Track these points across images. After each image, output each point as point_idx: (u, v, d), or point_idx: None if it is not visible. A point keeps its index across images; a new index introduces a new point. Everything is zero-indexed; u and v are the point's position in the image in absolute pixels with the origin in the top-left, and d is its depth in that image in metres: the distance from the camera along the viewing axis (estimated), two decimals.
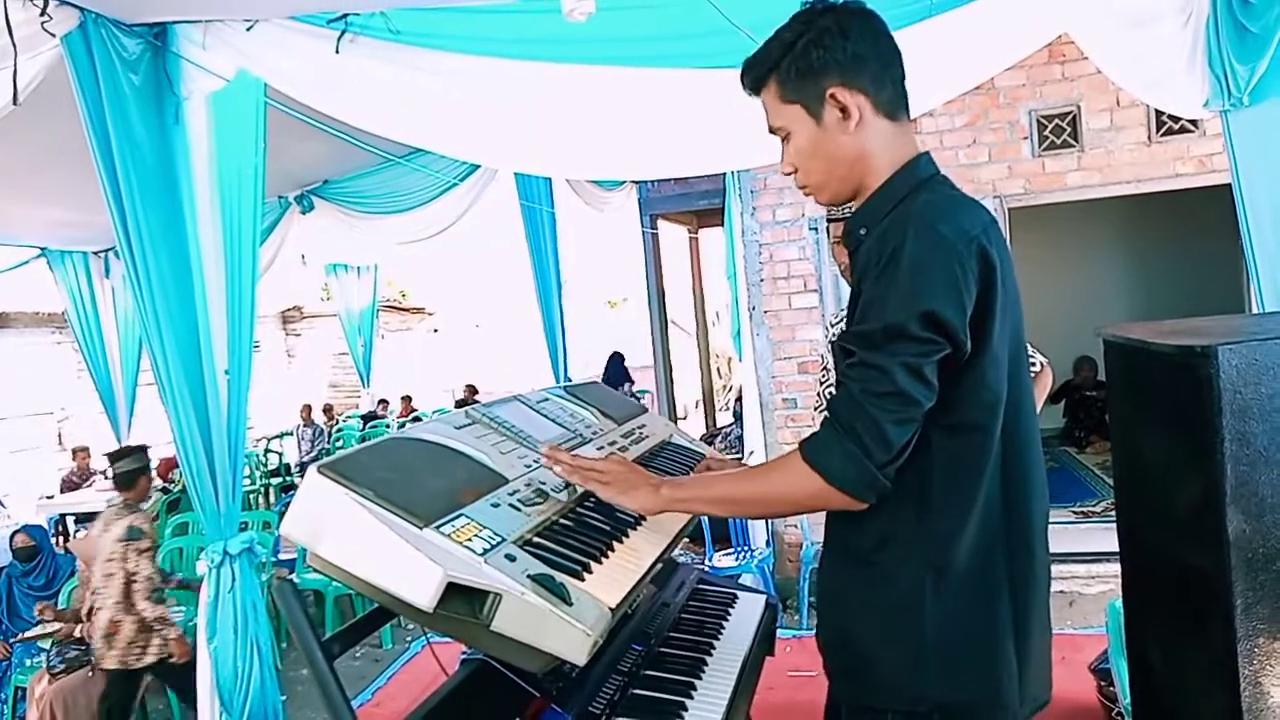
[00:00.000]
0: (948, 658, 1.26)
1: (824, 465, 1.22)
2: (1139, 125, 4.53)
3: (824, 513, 1.37)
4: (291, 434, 10.58)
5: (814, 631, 1.46)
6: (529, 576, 1.21)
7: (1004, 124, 4.71)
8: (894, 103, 1.32)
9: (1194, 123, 4.39)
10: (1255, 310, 3.07)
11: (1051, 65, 4.59)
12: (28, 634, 4.19)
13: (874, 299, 1.22)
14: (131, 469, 4.00)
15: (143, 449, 4.22)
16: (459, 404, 11.02)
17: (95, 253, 6.77)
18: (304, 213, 5.90)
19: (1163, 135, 4.50)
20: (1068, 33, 2.91)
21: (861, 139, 1.31)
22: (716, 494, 1.42)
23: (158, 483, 7.24)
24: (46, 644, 4.00)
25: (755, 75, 1.36)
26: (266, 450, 10.41)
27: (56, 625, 3.89)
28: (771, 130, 1.39)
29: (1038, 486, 1.35)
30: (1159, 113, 4.41)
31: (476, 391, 11.34)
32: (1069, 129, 4.62)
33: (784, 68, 1.32)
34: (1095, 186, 4.63)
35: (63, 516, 7.43)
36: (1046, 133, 4.65)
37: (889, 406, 1.18)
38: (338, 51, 2.75)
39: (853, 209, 1.40)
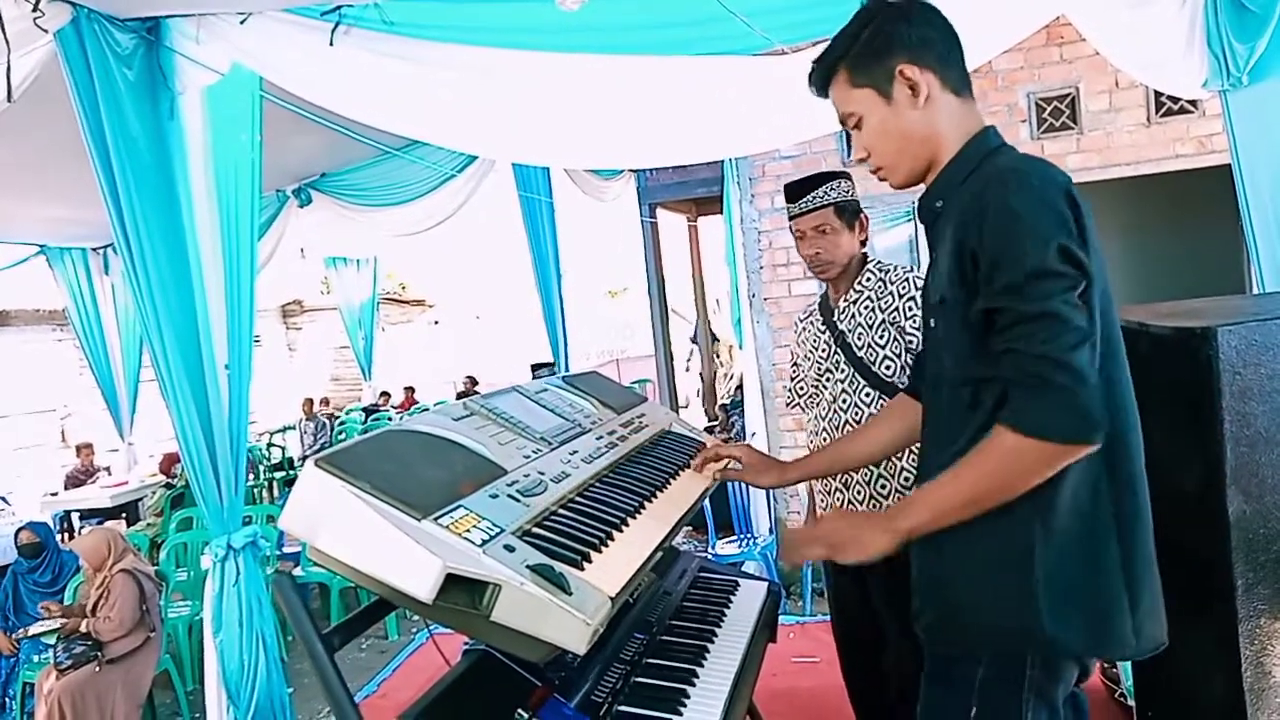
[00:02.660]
0: (1059, 600, 1.26)
1: (1043, 428, 1.18)
2: (1138, 106, 4.51)
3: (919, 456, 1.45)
4: (294, 428, 10.60)
5: (910, 601, 1.45)
6: (528, 566, 1.22)
7: (1002, 107, 4.69)
8: (960, 80, 1.39)
9: (1193, 103, 4.36)
10: (1256, 291, 3.06)
11: (1050, 47, 4.56)
12: (31, 630, 4.20)
13: (1002, 252, 1.22)
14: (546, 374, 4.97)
15: (553, 364, 5.35)
16: (460, 396, 11.07)
17: (94, 249, 6.77)
18: (302, 206, 5.89)
19: (1162, 116, 4.48)
20: (1065, 14, 2.89)
21: (932, 115, 1.37)
22: (944, 509, 1.30)
23: (160, 478, 7.27)
24: (51, 640, 4.02)
25: (824, 68, 1.43)
26: (269, 444, 10.44)
27: (62, 620, 3.91)
28: (842, 121, 1.45)
29: (1135, 428, 1.35)
30: (1158, 93, 4.39)
31: (477, 383, 11.37)
32: (1067, 111, 4.60)
33: (852, 55, 1.39)
34: (1094, 169, 4.61)
35: (67, 513, 7.45)
36: (1045, 115, 4.63)
37: (1069, 343, 1.17)
38: (332, 44, 2.73)
39: (923, 190, 1.43)
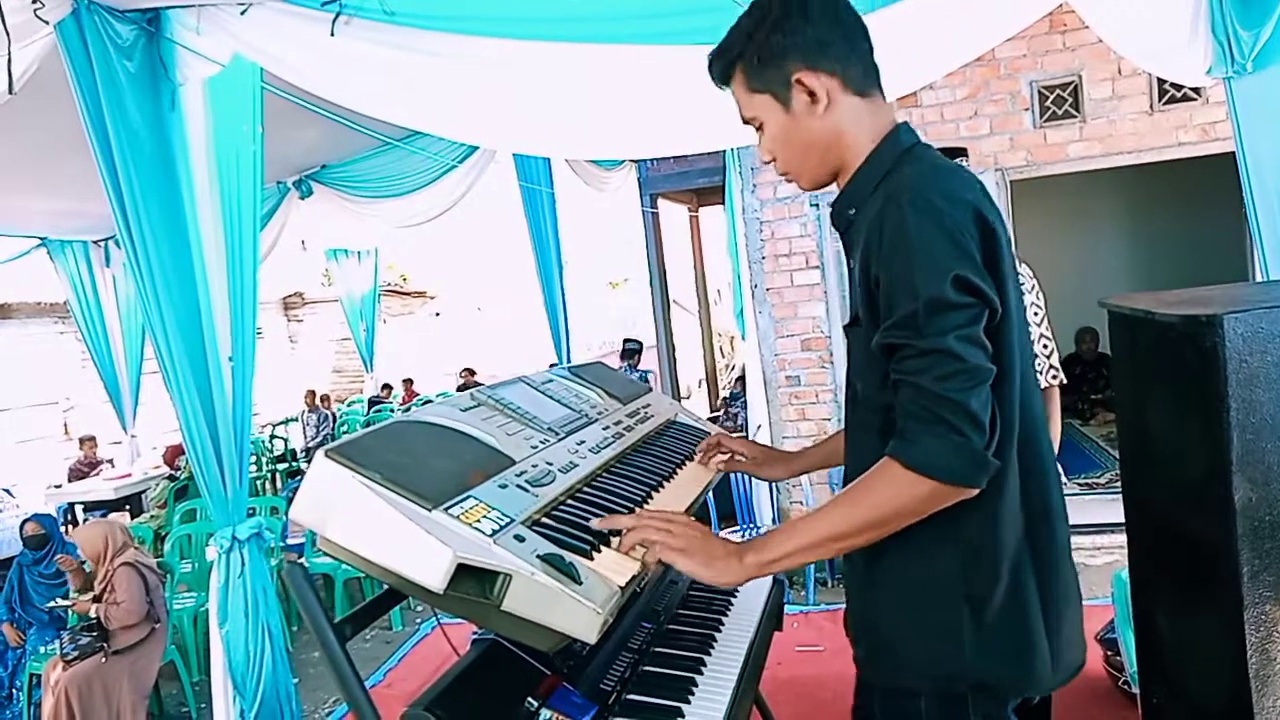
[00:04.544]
0: (982, 637, 1.25)
1: (933, 467, 1.14)
2: (1141, 94, 4.50)
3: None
4: (296, 420, 10.62)
5: (843, 616, 1.44)
6: (538, 556, 1.22)
7: (1005, 95, 4.68)
8: (864, 79, 1.31)
9: (1196, 90, 4.36)
10: (1260, 279, 3.05)
11: (1052, 35, 4.55)
12: (51, 603, 4.22)
13: (897, 282, 1.17)
14: (634, 348, 7.29)
15: (640, 341, 7.38)
16: (460, 389, 11.11)
17: (95, 242, 6.77)
18: (303, 198, 5.89)
19: (1165, 104, 4.47)
20: (1068, 1, 2.88)
21: (834, 121, 1.30)
22: (812, 540, 1.24)
23: (164, 470, 7.29)
24: (66, 605, 4.04)
25: (721, 66, 1.35)
26: (272, 436, 10.45)
27: (77, 598, 3.93)
28: (745, 121, 1.37)
29: (1049, 455, 1.34)
30: (1161, 81, 4.38)
31: (474, 374, 11.38)
32: (1070, 99, 4.59)
33: (747, 57, 1.30)
34: (1097, 157, 4.61)
35: (71, 505, 7.46)
36: (1048, 103, 4.62)
37: (965, 386, 1.13)
38: (333, 34, 2.72)
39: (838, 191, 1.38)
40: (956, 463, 1.14)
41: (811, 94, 1.28)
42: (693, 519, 1.36)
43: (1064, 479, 3.05)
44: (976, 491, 1.16)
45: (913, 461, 1.15)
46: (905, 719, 1.32)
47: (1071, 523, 1.41)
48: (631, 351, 7.87)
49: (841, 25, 1.29)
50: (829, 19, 1.28)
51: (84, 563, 4.17)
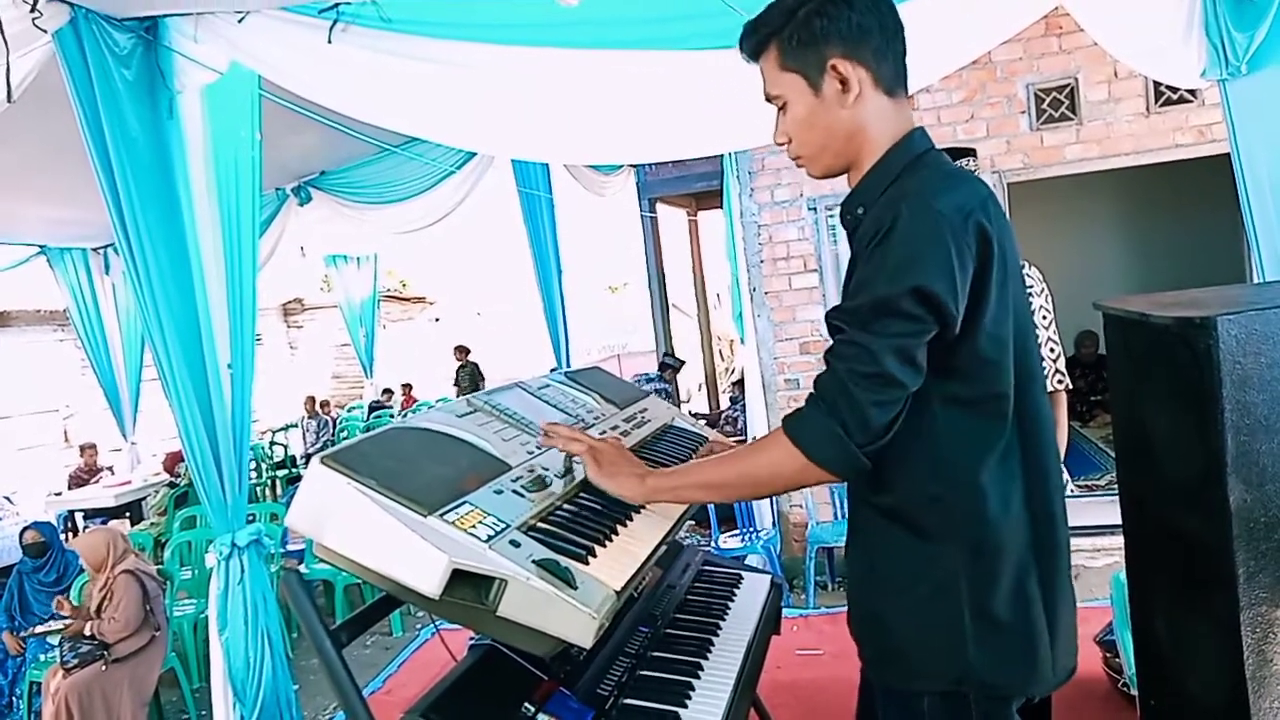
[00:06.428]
0: (987, 637, 1.25)
1: (806, 443, 1.22)
2: (1137, 96, 4.50)
3: (848, 496, 1.39)
4: (296, 426, 10.61)
5: (845, 618, 1.45)
6: (533, 561, 1.22)
7: (1001, 98, 4.68)
8: (894, 79, 1.32)
9: (1193, 92, 4.36)
10: (1256, 280, 3.06)
11: (1048, 38, 4.56)
12: (37, 629, 4.21)
13: (866, 275, 1.21)
14: (671, 364, 7.64)
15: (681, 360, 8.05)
16: (459, 370, 11.26)
17: (95, 249, 6.78)
18: (301, 204, 5.89)
19: (1161, 106, 4.48)
20: (1063, 4, 2.89)
21: (859, 113, 1.30)
22: (701, 479, 1.41)
23: (164, 477, 7.28)
24: (56, 640, 4.04)
25: (756, 40, 1.35)
26: (272, 442, 10.45)
27: (66, 621, 3.92)
28: (768, 98, 1.37)
29: (1053, 461, 1.35)
30: (1157, 83, 4.38)
31: (469, 352, 11.50)
32: (1067, 102, 4.59)
33: (786, 34, 1.30)
34: (1094, 159, 4.61)
35: (71, 513, 7.46)
36: (1044, 106, 4.63)
37: (872, 388, 1.17)
38: (330, 42, 2.73)
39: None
40: (827, 450, 1.21)
41: (844, 82, 1.28)
42: (620, 444, 1.58)
43: (1069, 482, 3.06)
44: (842, 481, 1.27)
45: (792, 433, 1.24)
46: (909, 718, 1.33)
47: (1071, 524, 1.41)
48: (666, 366, 7.94)
49: (883, 21, 1.29)
50: (873, 13, 1.28)
51: (71, 589, 4.18)
